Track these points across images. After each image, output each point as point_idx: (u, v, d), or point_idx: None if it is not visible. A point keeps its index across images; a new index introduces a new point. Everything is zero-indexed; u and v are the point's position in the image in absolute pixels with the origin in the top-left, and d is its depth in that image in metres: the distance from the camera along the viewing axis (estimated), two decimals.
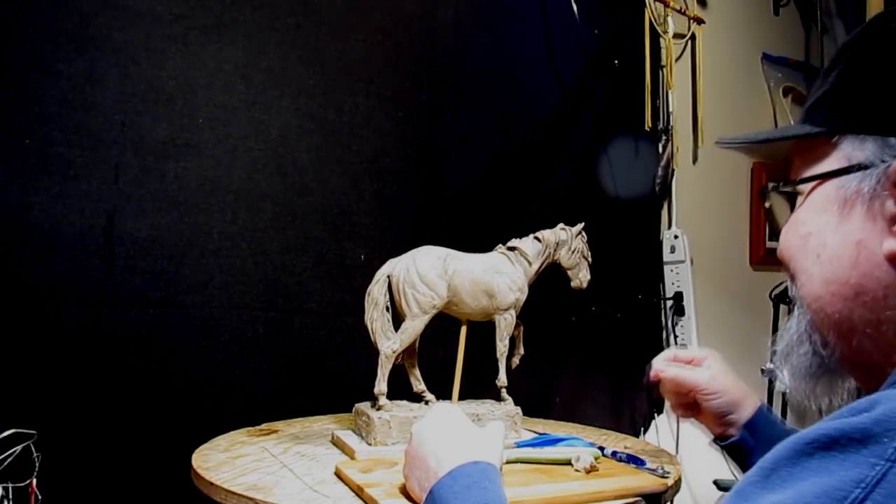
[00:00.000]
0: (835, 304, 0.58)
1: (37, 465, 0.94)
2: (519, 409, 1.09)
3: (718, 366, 0.95)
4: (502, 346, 1.10)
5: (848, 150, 0.58)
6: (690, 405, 0.95)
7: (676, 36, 2.14)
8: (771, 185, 0.69)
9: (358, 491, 0.81)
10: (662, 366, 0.96)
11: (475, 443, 0.74)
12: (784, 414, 2.01)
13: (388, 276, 1.05)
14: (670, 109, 2.11)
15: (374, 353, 1.04)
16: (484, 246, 1.13)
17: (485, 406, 1.09)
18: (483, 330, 1.13)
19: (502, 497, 0.66)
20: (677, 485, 0.91)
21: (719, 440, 0.92)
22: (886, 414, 0.40)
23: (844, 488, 0.38)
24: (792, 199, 0.65)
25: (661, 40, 2.13)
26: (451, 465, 0.69)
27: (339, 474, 0.88)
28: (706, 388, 0.91)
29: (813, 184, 0.60)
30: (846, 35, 0.66)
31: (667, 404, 1.00)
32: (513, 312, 1.10)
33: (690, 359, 0.97)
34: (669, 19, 2.10)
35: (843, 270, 0.57)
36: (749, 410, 0.90)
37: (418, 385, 1.10)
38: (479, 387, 1.16)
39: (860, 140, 0.57)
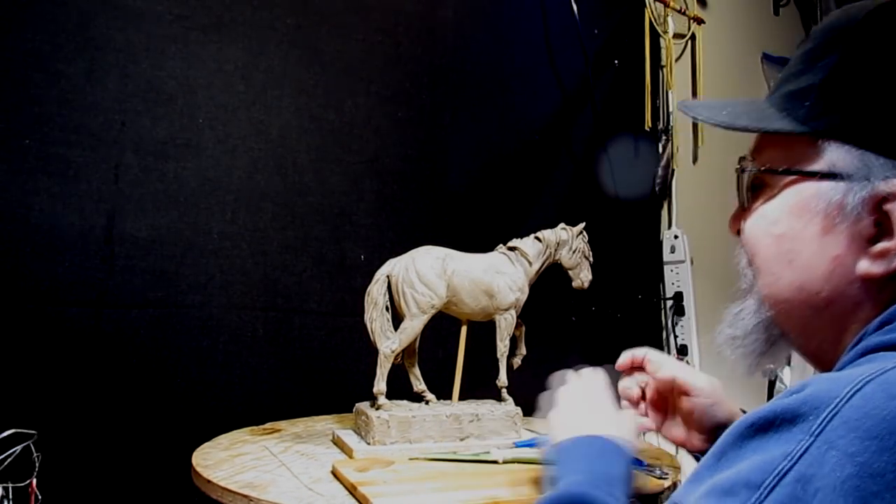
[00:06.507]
0: (801, 310, 0.58)
1: (37, 465, 0.94)
2: (519, 410, 1.09)
3: (710, 379, 0.84)
4: (503, 346, 1.10)
5: (832, 156, 0.54)
6: (660, 409, 0.87)
7: (676, 36, 2.14)
8: (742, 166, 0.62)
9: (351, 489, 0.81)
10: (656, 360, 0.86)
11: (605, 418, 0.76)
12: None
13: (388, 276, 1.05)
14: (670, 109, 2.11)
15: (374, 352, 1.04)
16: (484, 246, 1.13)
17: (485, 406, 1.09)
18: (483, 330, 1.13)
19: (603, 473, 0.66)
20: (672, 489, 0.87)
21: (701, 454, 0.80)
22: (813, 394, 0.44)
23: (774, 461, 0.42)
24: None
25: (661, 40, 2.13)
26: (579, 432, 0.72)
27: (335, 473, 0.88)
28: (700, 391, 0.80)
29: (786, 179, 0.57)
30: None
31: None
32: (513, 312, 1.10)
33: (642, 358, 0.90)
34: (669, 19, 2.10)
35: (815, 282, 0.56)
36: None
37: (418, 385, 1.10)
38: (480, 386, 1.16)
39: (846, 149, 0.53)
